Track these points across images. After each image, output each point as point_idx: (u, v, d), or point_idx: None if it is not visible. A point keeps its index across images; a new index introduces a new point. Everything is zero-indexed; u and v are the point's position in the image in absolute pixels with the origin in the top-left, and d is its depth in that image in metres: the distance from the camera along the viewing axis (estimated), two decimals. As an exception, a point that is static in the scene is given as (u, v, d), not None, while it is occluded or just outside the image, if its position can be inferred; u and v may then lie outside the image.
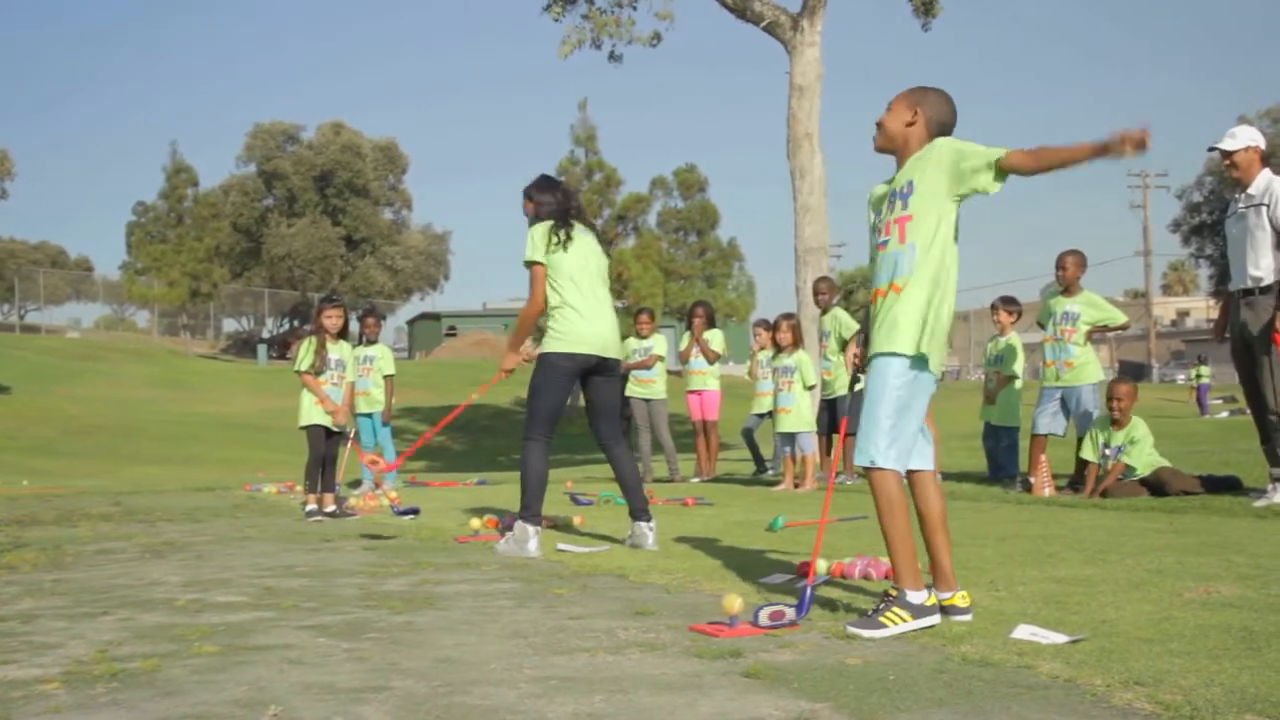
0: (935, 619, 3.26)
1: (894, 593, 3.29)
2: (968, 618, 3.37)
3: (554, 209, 5.69)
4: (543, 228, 5.61)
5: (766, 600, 3.86)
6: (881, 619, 3.24)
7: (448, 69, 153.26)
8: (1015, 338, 9.00)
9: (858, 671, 2.79)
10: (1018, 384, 8.89)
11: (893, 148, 3.60)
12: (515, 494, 8.33)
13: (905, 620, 3.22)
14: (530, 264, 5.58)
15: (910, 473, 3.45)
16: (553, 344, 5.57)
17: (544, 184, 5.83)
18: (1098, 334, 8.22)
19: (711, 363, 11.10)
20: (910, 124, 3.54)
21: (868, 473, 3.39)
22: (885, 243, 3.51)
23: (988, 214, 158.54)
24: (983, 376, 9.46)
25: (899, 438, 3.35)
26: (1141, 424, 7.41)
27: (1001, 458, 8.85)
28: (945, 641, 3.10)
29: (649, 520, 5.61)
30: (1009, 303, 9.05)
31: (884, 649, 3.05)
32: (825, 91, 14.74)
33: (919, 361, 3.37)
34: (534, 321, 5.70)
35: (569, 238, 5.60)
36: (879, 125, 3.62)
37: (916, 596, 3.26)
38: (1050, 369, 8.09)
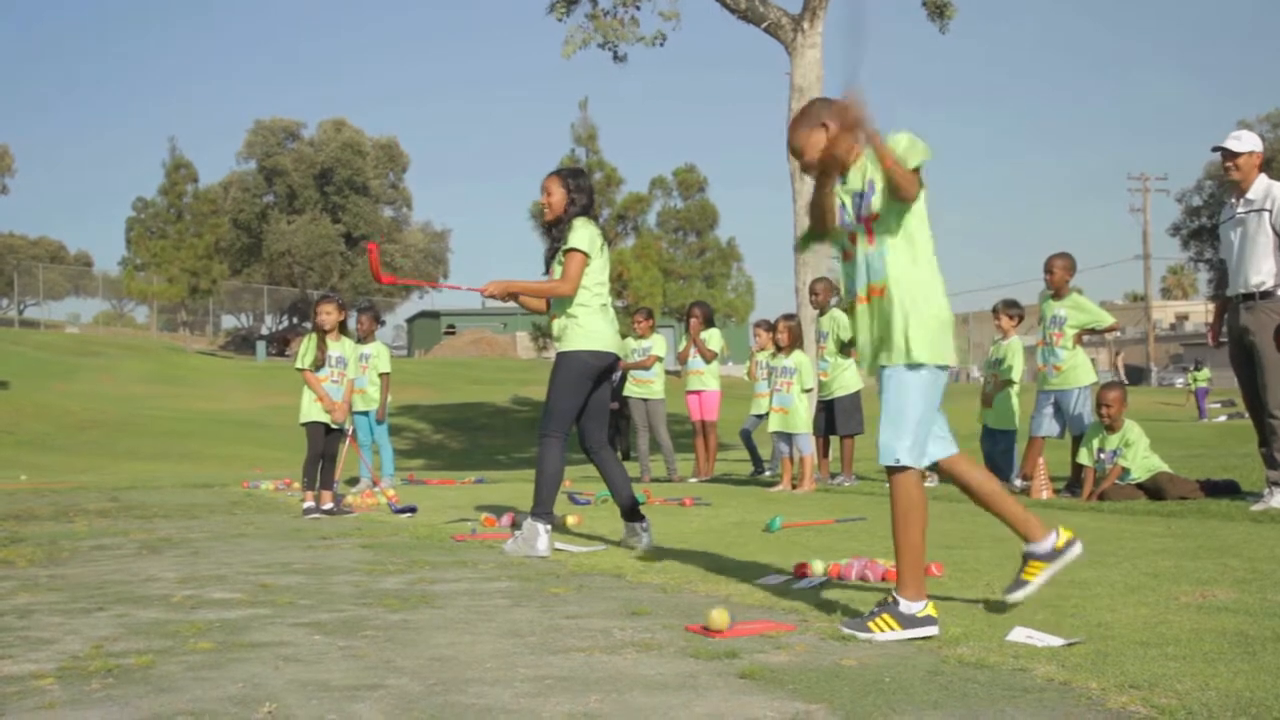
0: (929, 630, 3.20)
1: (891, 599, 3.27)
2: (1077, 549, 3.46)
3: (587, 206, 5.64)
4: (592, 225, 5.56)
5: (763, 601, 3.86)
6: (870, 623, 3.23)
7: (449, 67, 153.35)
8: (1017, 341, 9.02)
9: (853, 673, 2.79)
10: (1015, 388, 8.91)
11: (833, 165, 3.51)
12: (513, 492, 8.29)
13: (893, 628, 3.19)
14: (578, 252, 5.45)
15: (942, 461, 3.46)
16: (584, 342, 5.48)
17: (581, 176, 5.75)
18: (1089, 336, 8.24)
19: (709, 361, 11.10)
20: (824, 134, 3.47)
21: (891, 473, 3.36)
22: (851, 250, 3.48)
23: (987, 215, 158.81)
24: (981, 379, 9.47)
25: (920, 438, 3.35)
26: (1135, 427, 7.42)
27: (999, 460, 8.86)
28: (941, 644, 3.10)
29: (642, 520, 5.59)
30: (1010, 306, 9.07)
31: (879, 651, 3.05)
32: (825, 93, 14.75)
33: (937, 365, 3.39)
34: (546, 298, 5.63)
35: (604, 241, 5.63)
36: (807, 164, 3.54)
37: (911, 607, 3.21)
38: (1042, 373, 8.14)
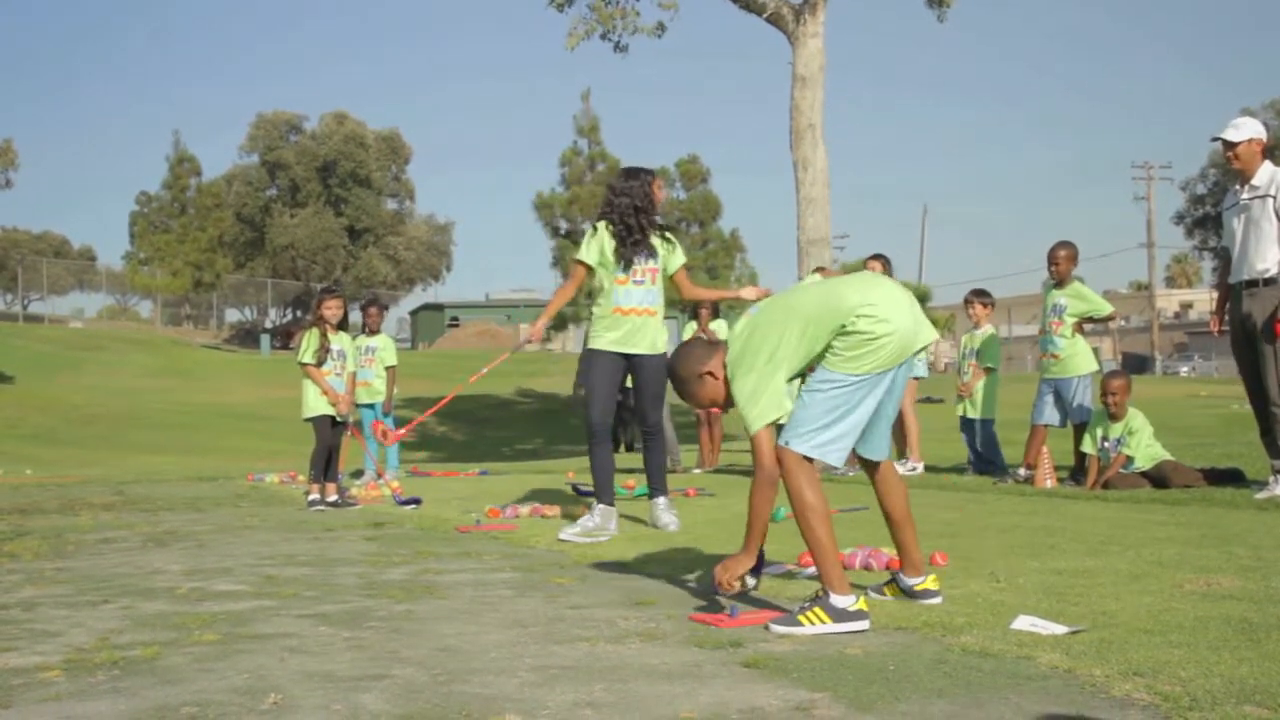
0: (861, 624, 3.16)
1: (820, 593, 3.25)
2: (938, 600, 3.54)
3: (604, 212, 5.92)
4: (606, 233, 5.81)
5: (767, 591, 3.87)
6: (800, 617, 3.19)
7: (451, 59, 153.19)
8: (992, 330, 9.04)
9: (857, 661, 2.79)
10: (996, 375, 8.92)
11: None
12: (517, 484, 8.34)
13: (825, 622, 3.15)
14: (576, 262, 5.93)
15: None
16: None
17: (624, 178, 5.95)
18: (1090, 325, 8.23)
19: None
20: (717, 380, 3.77)
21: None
22: None
23: (990, 206, 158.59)
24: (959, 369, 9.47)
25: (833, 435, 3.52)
26: (1139, 415, 7.41)
27: (983, 449, 8.88)
28: (945, 632, 3.10)
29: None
30: (982, 295, 9.14)
31: (883, 639, 3.05)
32: (828, 82, 14.71)
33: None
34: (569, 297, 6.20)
35: (637, 244, 5.81)
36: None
37: (841, 601, 3.19)
38: (1043, 361, 8.17)
